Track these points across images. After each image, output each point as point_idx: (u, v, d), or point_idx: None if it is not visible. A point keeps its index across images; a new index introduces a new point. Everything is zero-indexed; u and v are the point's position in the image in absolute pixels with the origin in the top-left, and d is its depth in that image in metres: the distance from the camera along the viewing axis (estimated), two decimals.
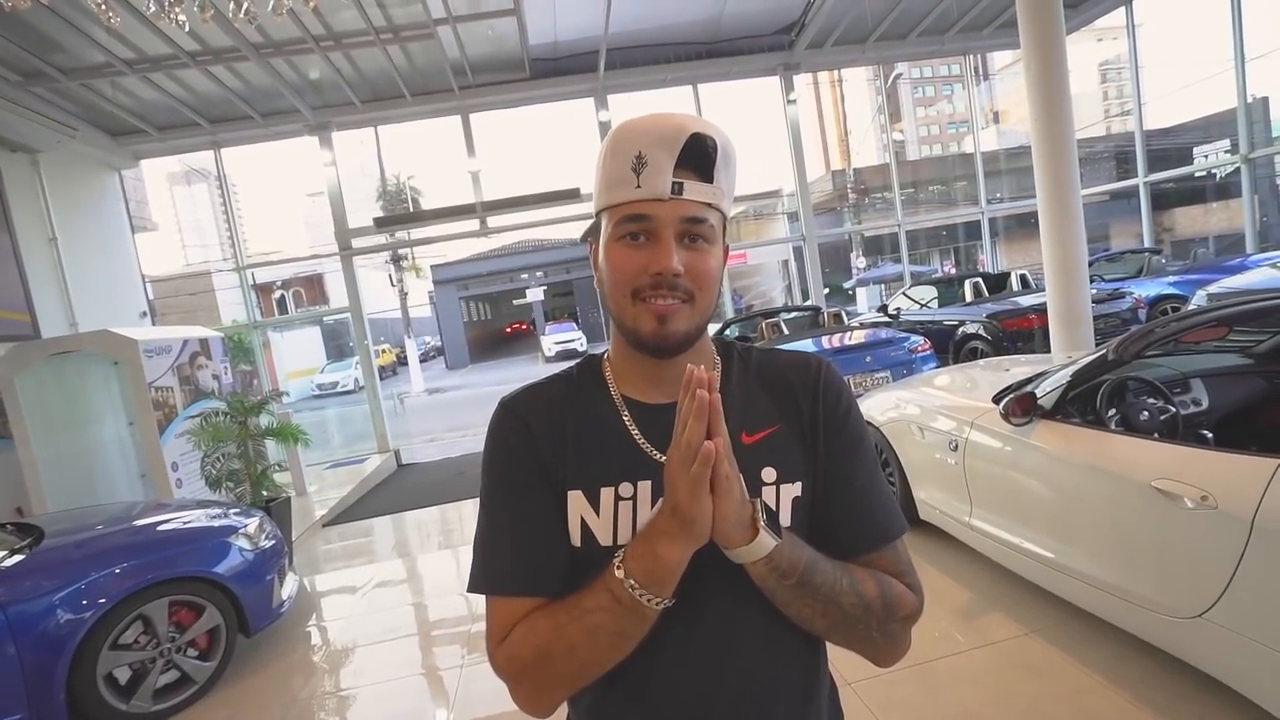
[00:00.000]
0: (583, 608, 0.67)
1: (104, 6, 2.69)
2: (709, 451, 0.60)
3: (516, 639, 0.71)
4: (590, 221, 0.82)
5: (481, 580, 0.74)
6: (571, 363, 0.87)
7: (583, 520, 0.74)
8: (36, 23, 5.27)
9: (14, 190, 6.04)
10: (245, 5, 2.81)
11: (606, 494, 0.74)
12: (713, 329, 0.95)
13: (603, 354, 0.85)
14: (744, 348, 0.86)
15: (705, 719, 0.73)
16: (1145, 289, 7.78)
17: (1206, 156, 13.24)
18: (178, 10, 2.82)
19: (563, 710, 0.83)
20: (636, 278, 0.71)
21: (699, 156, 0.70)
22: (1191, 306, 5.89)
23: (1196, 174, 13.89)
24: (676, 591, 0.67)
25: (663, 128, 0.69)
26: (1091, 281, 6.52)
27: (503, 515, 0.76)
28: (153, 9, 2.77)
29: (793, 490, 0.76)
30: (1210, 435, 2.48)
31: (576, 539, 0.74)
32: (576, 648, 0.68)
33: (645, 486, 0.74)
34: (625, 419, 0.77)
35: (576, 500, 0.74)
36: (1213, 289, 6.09)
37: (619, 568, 0.66)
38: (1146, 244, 9.93)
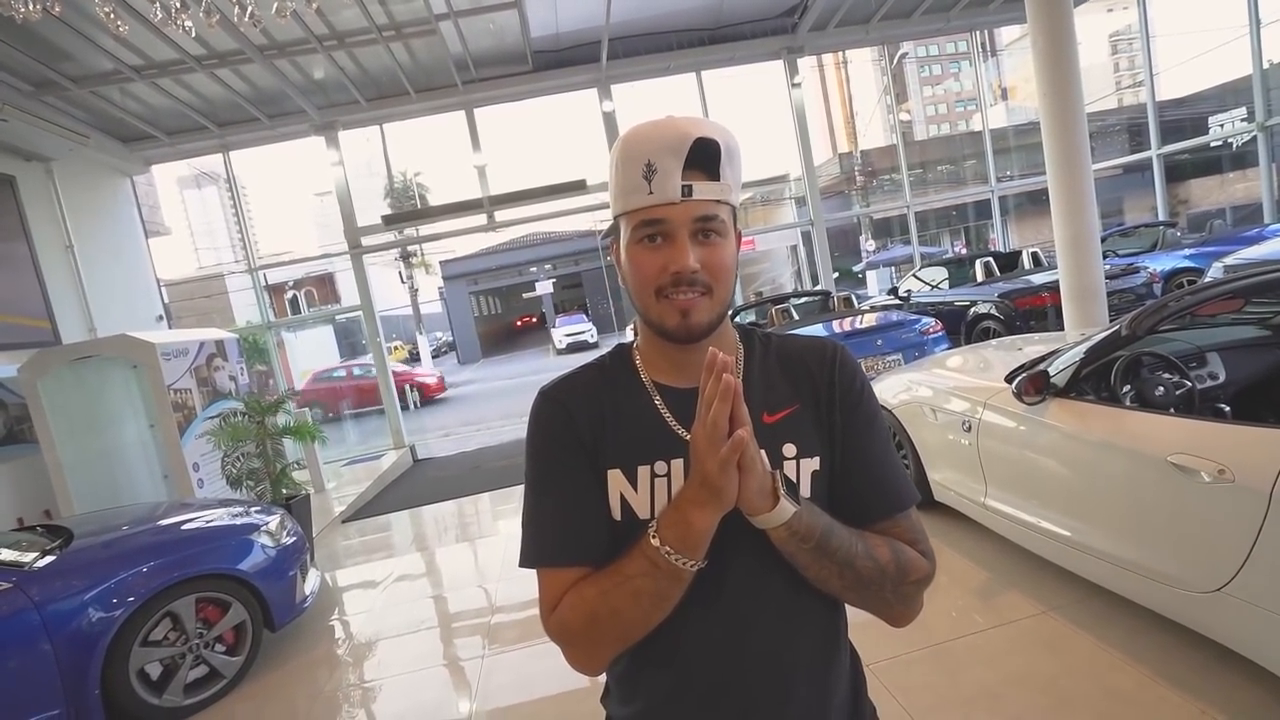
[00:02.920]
0: (624, 574, 0.73)
1: (112, 15, 2.72)
2: (740, 440, 0.65)
3: (566, 606, 0.77)
4: (608, 224, 0.86)
5: (532, 555, 0.80)
6: (601, 353, 0.93)
7: (622, 496, 0.80)
8: (46, 32, 5.32)
9: (30, 199, 6.13)
10: (249, 9, 2.83)
11: (643, 472, 0.80)
12: None
13: (632, 343, 0.90)
14: (764, 334, 0.91)
15: (731, 681, 0.79)
16: (1160, 263, 7.67)
17: (1222, 126, 12.94)
18: (184, 17, 2.85)
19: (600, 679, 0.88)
20: (658, 277, 0.77)
21: (704, 158, 0.75)
22: (1207, 279, 5.80)
23: (1212, 144, 13.60)
24: (705, 558, 0.72)
25: (668, 135, 0.74)
26: (1105, 257, 6.44)
27: (549, 493, 0.82)
28: (159, 16, 2.80)
29: (811, 464, 0.81)
30: (1228, 409, 2.46)
31: (617, 513, 0.80)
32: (621, 611, 0.74)
33: (678, 464, 0.79)
34: (657, 402, 0.83)
35: (616, 478, 0.80)
36: (1229, 261, 5.99)
37: (654, 535, 0.71)
38: (1161, 217, 9.78)
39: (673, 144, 0.73)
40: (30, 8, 2.61)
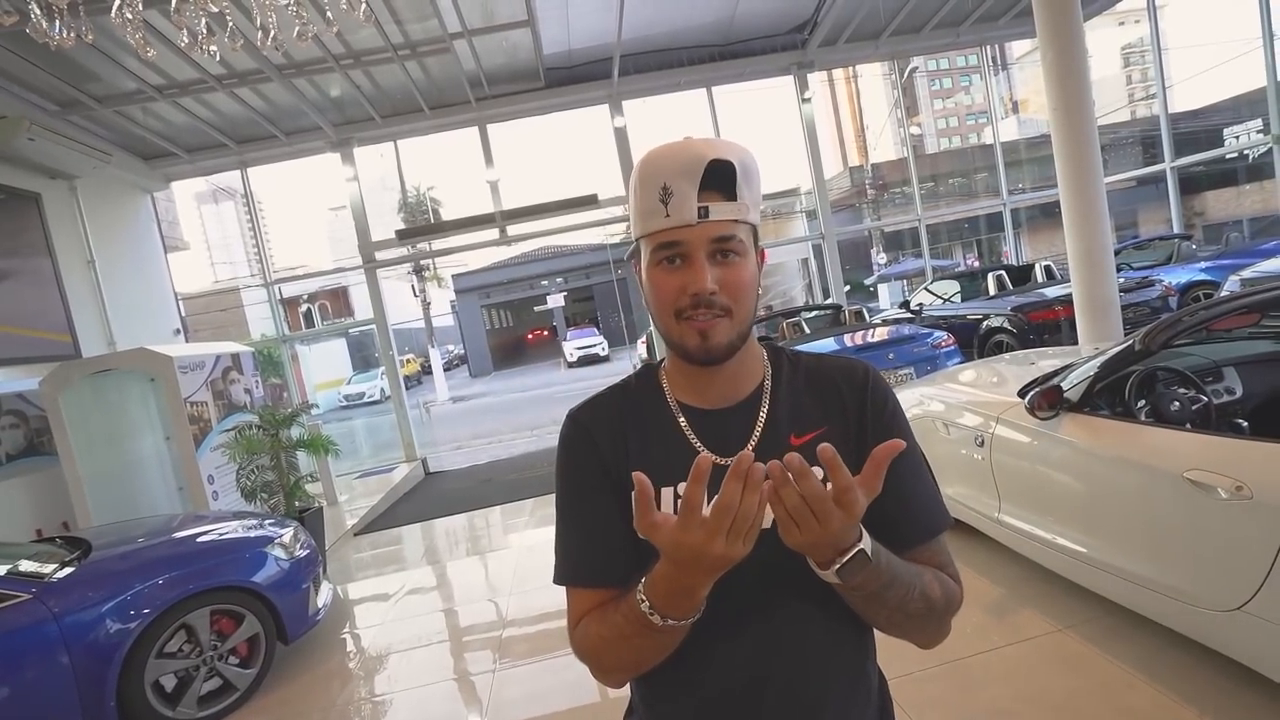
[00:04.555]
0: (620, 631, 0.73)
1: (143, 40, 2.80)
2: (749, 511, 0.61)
3: (579, 635, 0.80)
4: (619, 237, 0.87)
5: (561, 574, 0.83)
6: (630, 373, 0.94)
7: None
8: (73, 55, 5.46)
9: (54, 215, 6.26)
10: (272, 33, 2.90)
11: (666, 493, 0.80)
12: None
13: (659, 363, 0.90)
14: (792, 353, 0.90)
15: (758, 707, 0.78)
16: (1175, 276, 7.60)
17: (1238, 138, 12.87)
18: (210, 42, 2.94)
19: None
20: (677, 299, 0.77)
21: (720, 179, 0.74)
22: (1223, 293, 5.75)
23: (1227, 156, 13.52)
24: (723, 581, 0.68)
25: (682, 158, 0.74)
26: (1120, 270, 6.40)
27: (573, 517, 0.84)
28: (186, 42, 2.88)
29: None
30: (1245, 424, 2.43)
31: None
32: (622, 656, 0.76)
33: None
34: (681, 423, 0.83)
35: None
36: (1246, 274, 5.93)
37: (646, 606, 0.68)
38: (1176, 229, 9.70)
39: (687, 167, 0.73)
40: (64, 36, 2.69)
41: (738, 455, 0.62)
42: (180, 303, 8.87)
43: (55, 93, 6.13)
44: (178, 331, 8.25)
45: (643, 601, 0.69)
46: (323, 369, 22.48)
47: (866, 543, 0.67)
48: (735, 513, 0.61)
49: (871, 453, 0.63)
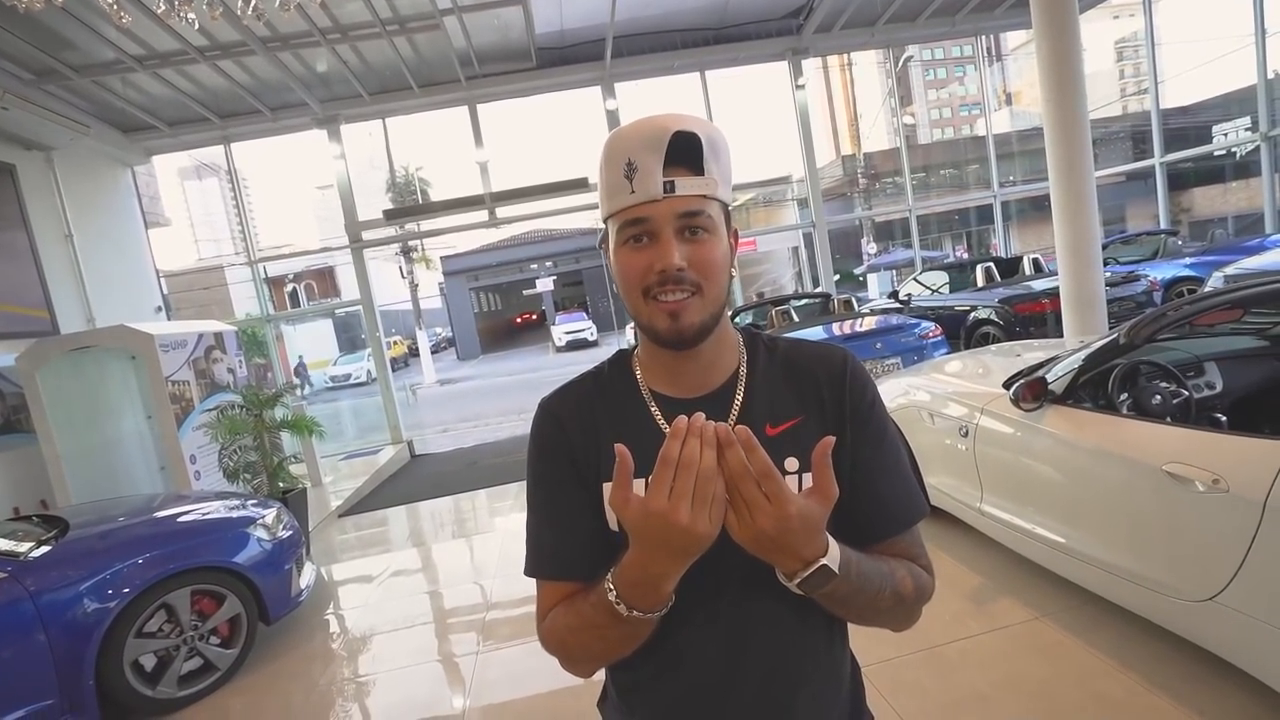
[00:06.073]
0: (588, 621, 0.72)
1: (115, 6, 2.72)
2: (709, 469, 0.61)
3: (546, 628, 0.79)
4: (602, 230, 0.84)
5: (530, 566, 0.82)
6: (603, 360, 0.90)
7: None
8: (48, 21, 5.30)
9: (30, 188, 6.12)
10: (253, 2, 2.82)
11: (638, 485, 0.75)
12: None
13: (632, 350, 0.88)
14: (770, 338, 0.87)
15: (731, 696, 0.78)
16: (1161, 271, 7.66)
17: (1226, 135, 12.94)
18: (187, 8, 2.85)
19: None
20: (644, 277, 0.74)
21: (686, 152, 0.72)
22: (1207, 289, 5.81)
23: (1215, 153, 13.62)
24: (693, 572, 0.68)
25: (646, 132, 0.71)
26: (1106, 264, 6.44)
27: (541, 510, 0.82)
28: (163, 8, 2.80)
29: None
30: (1224, 419, 2.46)
31: (614, 525, 0.78)
32: (590, 646, 0.75)
33: None
34: (654, 412, 0.81)
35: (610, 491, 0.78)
36: (1230, 270, 5.99)
37: (615, 598, 0.68)
38: (1163, 225, 9.79)
39: (651, 140, 0.70)
40: None
41: (693, 415, 0.62)
42: (162, 280, 8.73)
43: (30, 61, 5.95)
44: (159, 309, 8.12)
45: (610, 591, 0.68)
46: (308, 349, 22.28)
47: (833, 556, 0.66)
48: (697, 470, 0.60)
49: (812, 458, 0.64)
